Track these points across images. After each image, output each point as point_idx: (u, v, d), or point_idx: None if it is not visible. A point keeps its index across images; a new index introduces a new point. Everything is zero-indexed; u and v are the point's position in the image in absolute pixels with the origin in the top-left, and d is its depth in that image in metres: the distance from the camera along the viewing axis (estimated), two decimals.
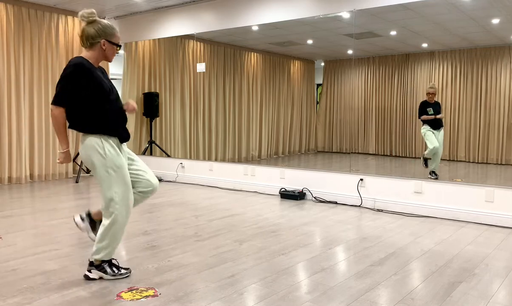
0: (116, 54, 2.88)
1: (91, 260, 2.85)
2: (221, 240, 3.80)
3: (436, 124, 5.69)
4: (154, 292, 2.65)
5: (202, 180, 6.93)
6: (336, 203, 5.48)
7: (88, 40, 2.75)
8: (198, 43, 7.31)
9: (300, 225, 4.34)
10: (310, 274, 2.98)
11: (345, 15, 5.48)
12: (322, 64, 7.49)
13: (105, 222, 2.78)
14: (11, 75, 6.71)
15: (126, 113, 2.91)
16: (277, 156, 7.69)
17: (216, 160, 7.43)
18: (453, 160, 5.97)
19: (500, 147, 5.62)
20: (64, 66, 7.30)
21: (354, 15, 5.38)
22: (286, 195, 5.76)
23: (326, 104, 7.42)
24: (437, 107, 5.70)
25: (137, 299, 2.55)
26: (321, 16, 5.65)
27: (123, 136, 2.84)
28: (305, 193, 5.76)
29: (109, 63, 7.62)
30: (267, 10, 6.09)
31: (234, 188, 6.51)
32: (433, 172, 5.53)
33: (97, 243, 2.80)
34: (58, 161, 2.77)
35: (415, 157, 6.28)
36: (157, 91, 7.90)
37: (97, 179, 2.78)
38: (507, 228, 4.34)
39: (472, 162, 5.84)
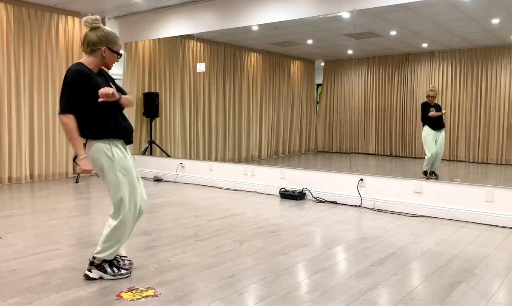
0: (116, 62, 2.89)
1: (91, 259, 2.85)
2: (221, 240, 3.80)
3: (437, 125, 5.69)
4: (154, 292, 2.65)
5: (202, 180, 6.93)
6: (336, 203, 5.48)
7: (89, 46, 2.75)
8: (198, 43, 7.31)
9: (300, 225, 4.34)
10: (310, 274, 2.98)
11: (345, 15, 5.48)
12: (322, 64, 7.49)
13: (112, 223, 2.80)
14: (11, 75, 6.71)
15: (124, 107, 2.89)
16: (277, 156, 7.69)
17: (216, 160, 7.43)
18: (453, 160, 5.97)
19: (500, 147, 5.62)
20: (64, 66, 7.32)
21: (354, 15, 5.38)
22: (286, 195, 5.76)
23: (326, 104, 7.42)
24: (438, 109, 5.72)
25: (137, 299, 2.55)
26: (321, 16, 5.65)
27: (127, 139, 2.87)
28: (305, 193, 5.76)
29: None
30: (267, 10, 6.09)
31: (234, 188, 6.51)
32: (433, 172, 5.54)
33: (103, 243, 2.81)
34: (79, 170, 2.75)
35: (415, 157, 6.28)
36: (157, 91, 7.90)
37: (105, 182, 2.79)
38: (507, 228, 4.34)
39: (472, 162, 5.84)
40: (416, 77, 6.22)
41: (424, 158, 5.74)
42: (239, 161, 7.52)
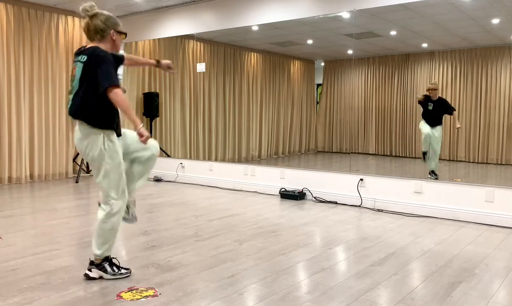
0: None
1: (92, 259, 2.85)
2: (221, 240, 3.80)
3: (431, 121, 5.65)
4: (154, 292, 2.65)
5: (202, 180, 6.93)
6: (336, 203, 5.48)
7: (98, 33, 2.74)
8: (198, 43, 7.31)
9: (300, 225, 4.34)
10: (310, 274, 2.98)
11: (345, 15, 5.49)
12: (322, 64, 7.49)
13: (101, 216, 2.78)
14: (11, 75, 6.71)
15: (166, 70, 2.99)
16: (277, 156, 7.70)
17: (216, 160, 7.43)
18: (453, 160, 5.97)
19: (500, 147, 5.63)
20: (64, 66, 7.31)
21: (354, 15, 5.38)
22: (286, 195, 5.76)
23: (326, 104, 7.42)
24: (438, 104, 5.64)
25: (137, 299, 2.55)
26: (321, 16, 5.65)
27: (117, 133, 2.86)
28: (305, 193, 5.76)
29: None
30: (267, 10, 6.09)
31: (234, 188, 6.51)
32: (433, 172, 5.53)
33: (97, 238, 2.80)
34: (142, 140, 2.67)
35: (415, 157, 6.28)
36: (157, 91, 7.90)
37: (95, 172, 2.78)
38: (507, 228, 4.34)
39: (472, 162, 5.84)
40: (416, 77, 6.23)
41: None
42: (239, 161, 7.52)
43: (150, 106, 7.75)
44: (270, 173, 6.19)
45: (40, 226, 4.19)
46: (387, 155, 6.61)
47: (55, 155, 7.25)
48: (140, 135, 2.67)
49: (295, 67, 7.72)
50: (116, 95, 2.60)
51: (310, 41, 7.00)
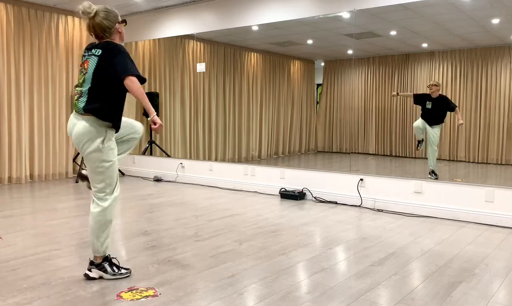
0: None
1: (91, 259, 2.85)
2: (221, 240, 3.80)
3: (430, 120, 5.65)
4: (154, 292, 2.65)
5: (202, 180, 6.93)
6: (336, 203, 5.48)
7: (106, 32, 2.77)
8: (198, 43, 7.31)
9: (300, 225, 4.34)
10: (310, 274, 2.98)
11: (345, 15, 5.49)
12: (322, 64, 7.49)
13: (97, 211, 2.80)
14: (11, 75, 6.71)
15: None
16: (277, 156, 7.69)
17: (216, 160, 7.43)
18: (453, 160, 5.97)
19: (500, 147, 5.62)
20: (64, 66, 7.31)
21: (354, 15, 5.38)
22: (286, 195, 5.76)
23: (326, 104, 7.42)
24: (438, 102, 5.62)
25: (137, 299, 2.55)
26: (321, 16, 5.65)
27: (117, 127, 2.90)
28: (305, 193, 5.76)
29: None
30: (267, 10, 6.09)
31: (234, 188, 6.51)
32: (433, 172, 5.53)
33: (96, 236, 2.80)
34: (155, 127, 2.70)
35: (415, 157, 6.28)
36: (157, 91, 7.90)
37: (88, 166, 2.78)
38: (507, 228, 4.34)
39: (472, 162, 5.84)
40: (416, 77, 6.22)
41: (425, 158, 5.75)
42: (239, 161, 7.52)
43: None
44: (270, 173, 6.19)
45: (40, 226, 4.19)
46: (387, 155, 6.61)
47: (55, 155, 7.25)
48: (154, 122, 2.71)
49: (295, 67, 7.72)
50: (132, 82, 2.62)
51: (310, 41, 7.00)
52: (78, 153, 7.42)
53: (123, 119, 2.96)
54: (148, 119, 2.82)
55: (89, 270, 2.84)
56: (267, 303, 2.51)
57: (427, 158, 5.74)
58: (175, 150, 7.78)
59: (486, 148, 5.71)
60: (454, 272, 3.07)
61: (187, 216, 4.69)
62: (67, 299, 2.53)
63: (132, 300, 2.54)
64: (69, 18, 7.37)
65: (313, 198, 5.68)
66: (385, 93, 6.56)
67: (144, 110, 7.87)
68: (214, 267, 3.11)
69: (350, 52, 6.94)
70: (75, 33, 7.47)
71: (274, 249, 3.54)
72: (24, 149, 6.86)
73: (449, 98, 5.85)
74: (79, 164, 7.29)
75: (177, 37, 7.31)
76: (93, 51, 2.74)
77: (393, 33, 6.06)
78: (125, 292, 2.64)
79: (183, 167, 7.23)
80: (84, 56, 2.81)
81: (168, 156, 7.73)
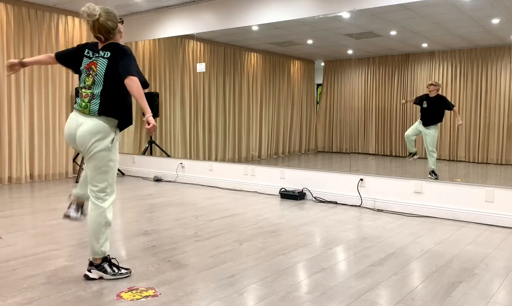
0: None
1: (91, 260, 2.85)
2: (221, 240, 3.80)
3: (426, 120, 5.67)
4: (154, 292, 2.65)
5: (202, 180, 6.93)
6: (336, 203, 5.48)
7: (110, 33, 2.81)
8: (198, 43, 7.31)
9: (300, 225, 4.34)
10: (310, 274, 2.98)
11: (345, 15, 5.49)
12: (322, 64, 7.49)
13: (97, 212, 2.80)
14: (11, 75, 6.70)
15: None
16: (277, 156, 7.69)
17: (216, 160, 7.43)
18: (453, 160, 5.97)
19: (500, 147, 5.62)
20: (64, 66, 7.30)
21: (354, 15, 5.38)
22: (286, 195, 5.76)
23: (326, 104, 7.42)
24: (435, 102, 5.65)
25: (137, 299, 2.55)
26: (321, 16, 5.65)
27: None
28: (305, 193, 5.76)
29: None
30: (267, 10, 6.09)
31: (234, 188, 6.51)
32: (433, 172, 5.53)
33: (97, 237, 2.80)
34: (148, 127, 2.72)
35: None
36: (157, 91, 7.90)
37: (92, 165, 2.78)
38: (507, 228, 4.34)
39: (472, 162, 5.84)
40: (416, 77, 6.22)
41: (425, 158, 5.75)
42: (239, 161, 7.52)
43: (150, 106, 7.73)
44: (270, 173, 6.19)
45: (40, 226, 4.19)
46: (387, 155, 6.61)
47: (55, 155, 7.25)
48: (148, 122, 2.73)
49: (295, 67, 7.72)
50: (132, 81, 2.69)
51: (310, 41, 7.00)
52: (78, 154, 7.42)
53: None
54: (143, 118, 2.86)
55: (89, 271, 2.84)
56: (267, 303, 2.51)
57: (427, 158, 5.74)
58: (175, 150, 7.78)
59: (486, 148, 5.71)
60: (454, 272, 3.07)
61: (187, 216, 4.69)
62: (67, 299, 2.53)
63: (132, 300, 2.54)
64: (69, 18, 7.37)
65: (313, 198, 5.68)
66: (385, 93, 6.56)
67: None
68: (214, 267, 3.11)
69: (350, 52, 6.94)
70: (75, 33, 7.47)
71: (274, 249, 3.54)
72: (24, 149, 6.86)
73: (448, 99, 5.86)
74: (79, 164, 7.29)
75: (177, 37, 7.31)
76: (101, 53, 2.78)
77: (393, 33, 6.06)
78: (125, 292, 2.64)
79: (183, 167, 7.23)
80: (88, 57, 2.82)
81: (168, 156, 7.73)
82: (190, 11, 6.96)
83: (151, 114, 2.75)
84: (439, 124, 5.70)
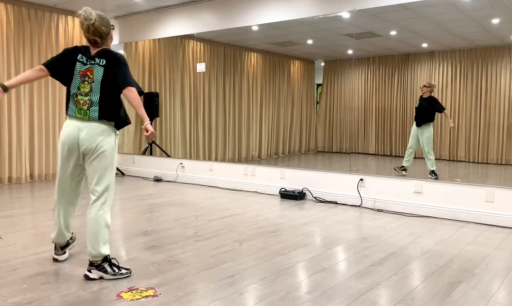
0: None
1: (91, 260, 2.85)
2: (221, 240, 3.80)
3: (418, 120, 5.75)
4: (154, 292, 2.65)
5: (202, 180, 6.93)
6: (336, 203, 5.48)
7: (103, 37, 2.88)
8: (198, 43, 7.31)
9: (300, 225, 4.34)
10: (310, 274, 2.98)
11: (345, 15, 5.48)
12: (322, 64, 7.49)
13: (99, 213, 2.85)
14: (11, 75, 6.70)
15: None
16: (277, 156, 7.69)
17: (216, 160, 7.43)
18: (453, 160, 5.97)
19: (500, 147, 5.62)
20: None
21: (354, 15, 5.38)
22: (286, 195, 5.76)
23: (326, 104, 7.42)
24: (427, 103, 5.71)
25: (137, 299, 2.55)
26: (321, 16, 5.65)
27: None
28: (305, 193, 5.76)
29: None
30: (267, 10, 6.09)
31: (234, 188, 6.51)
32: (433, 172, 5.53)
33: (99, 239, 2.81)
34: (146, 134, 2.82)
35: (415, 157, 6.27)
36: (157, 91, 7.90)
37: (97, 166, 2.85)
38: (507, 228, 4.34)
39: (472, 162, 5.84)
40: (416, 77, 6.22)
41: (423, 158, 5.75)
42: (239, 161, 7.52)
43: (150, 106, 7.74)
44: (270, 173, 6.19)
45: (40, 226, 4.19)
46: (387, 155, 6.61)
47: (55, 155, 7.25)
48: (146, 130, 2.83)
49: (295, 67, 7.72)
50: (131, 92, 2.79)
51: (310, 41, 7.00)
52: None
53: None
54: (142, 127, 2.93)
55: (89, 271, 2.84)
56: (267, 303, 2.51)
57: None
58: (175, 150, 7.78)
59: (486, 148, 5.71)
60: (454, 272, 3.07)
61: (187, 216, 4.69)
62: (67, 299, 2.53)
63: (132, 300, 2.54)
64: (69, 18, 7.37)
65: (313, 198, 5.68)
66: (385, 93, 6.56)
67: (145, 110, 7.88)
68: (214, 267, 3.11)
69: (350, 52, 6.93)
70: (75, 33, 7.47)
71: (274, 249, 3.54)
72: (24, 149, 6.86)
73: (449, 100, 5.88)
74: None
75: (177, 37, 7.31)
76: (97, 60, 2.84)
77: (393, 33, 6.06)
78: (125, 292, 2.64)
79: (183, 167, 7.23)
80: (82, 62, 2.86)
81: (168, 156, 7.73)
82: (190, 11, 6.96)
83: (149, 121, 2.85)
84: (432, 123, 5.74)
